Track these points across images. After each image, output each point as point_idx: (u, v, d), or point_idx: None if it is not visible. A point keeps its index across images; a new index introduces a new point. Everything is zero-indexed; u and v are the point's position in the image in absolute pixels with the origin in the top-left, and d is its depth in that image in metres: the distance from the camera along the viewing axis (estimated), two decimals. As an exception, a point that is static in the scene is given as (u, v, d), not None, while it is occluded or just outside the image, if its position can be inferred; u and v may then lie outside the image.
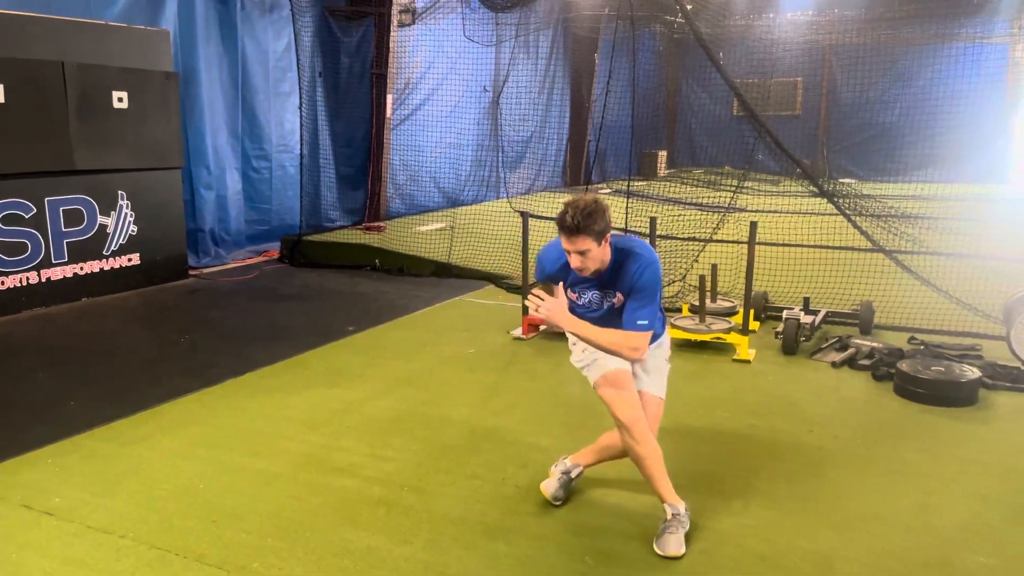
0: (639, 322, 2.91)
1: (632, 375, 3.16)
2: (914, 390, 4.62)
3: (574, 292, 3.09)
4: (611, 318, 3.03)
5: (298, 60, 9.68)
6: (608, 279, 3.01)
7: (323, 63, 10.33)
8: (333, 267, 8.89)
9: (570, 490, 3.44)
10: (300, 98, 9.72)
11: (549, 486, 3.39)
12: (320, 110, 10.25)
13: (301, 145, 9.77)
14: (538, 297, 2.86)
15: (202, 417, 4.42)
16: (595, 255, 2.88)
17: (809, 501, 3.42)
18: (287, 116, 10.01)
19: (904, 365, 4.77)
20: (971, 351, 5.43)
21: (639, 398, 3.12)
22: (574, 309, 3.09)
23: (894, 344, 5.47)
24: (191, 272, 8.47)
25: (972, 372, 4.70)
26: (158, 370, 5.27)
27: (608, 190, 13.62)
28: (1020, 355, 4.79)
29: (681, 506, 3.09)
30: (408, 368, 5.34)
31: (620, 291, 3.01)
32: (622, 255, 2.97)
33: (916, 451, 3.91)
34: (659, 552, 2.97)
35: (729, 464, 3.78)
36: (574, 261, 2.89)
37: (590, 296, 3.07)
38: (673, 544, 2.97)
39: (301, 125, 9.74)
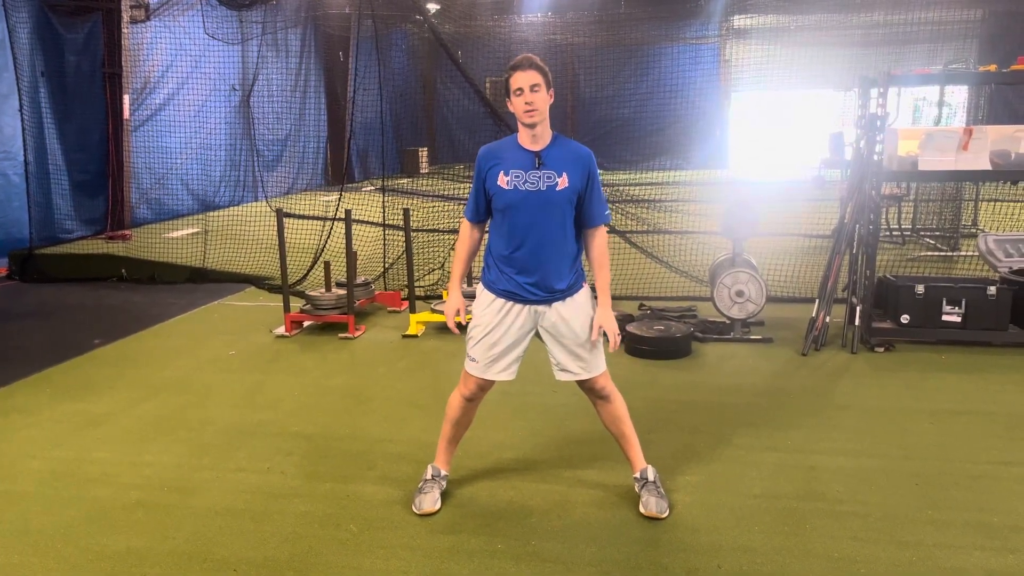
0: (606, 213, 3.21)
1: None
2: (640, 348, 5.28)
3: (507, 176, 3.02)
4: (549, 208, 3.04)
5: (15, 59, 8.83)
6: (548, 155, 3.02)
7: (45, 62, 9.48)
8: (74, 281, 8.25)
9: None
10: (20, 100, 8.88)
11: (425, 502, 3.28)
12: (46, 113, 9.41)
13: (25, 151, 8.93)
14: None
15: (-76, 448, 4.03)
16: (543, 98, 2.96)
17: (551, 448, 3.85)
18: (6, 120, 9.09)
19: (632, 327, 5.41)
20: (688, 312, 6.25)
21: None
22: (507, 203, 3.04)
23: (626, 311, 6.16)
24: None
25: (687, 329, 5.45)
26: None
27: (371, 187, 13.72)
28: (722, 310, 5.62)
29: (430, 470, 3.39)
30: (164, 375, 5.18)
31: (565, 171, 3.02)
32: (561, 138, 3.07)
33: (641, 399, 4.49)
34: (415, 510, 3.26)
35: (482, 427, 4.11)
36: (525, 97, 2.92)
37: (526, 177, 3.01)
38: (428, 502, 3.26)
39: (23, 129, 8.91)
